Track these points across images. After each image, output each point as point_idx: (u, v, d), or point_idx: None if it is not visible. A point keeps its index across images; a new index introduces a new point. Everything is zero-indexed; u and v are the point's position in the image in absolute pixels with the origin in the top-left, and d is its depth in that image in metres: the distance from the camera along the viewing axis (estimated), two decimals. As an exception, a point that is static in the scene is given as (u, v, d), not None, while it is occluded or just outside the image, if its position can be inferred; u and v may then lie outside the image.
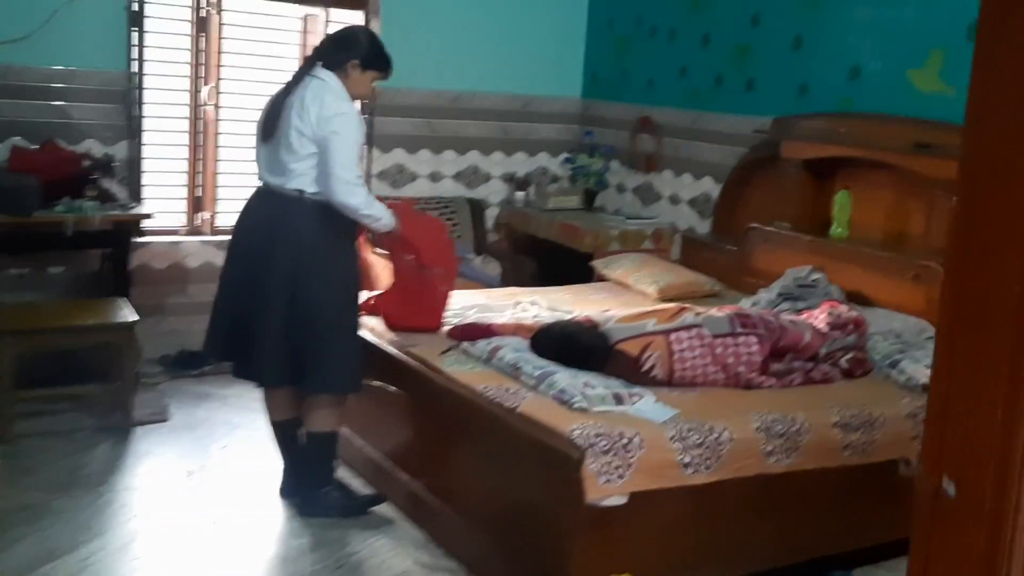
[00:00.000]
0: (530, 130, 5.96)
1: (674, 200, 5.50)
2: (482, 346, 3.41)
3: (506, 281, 5.38)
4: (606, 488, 2.72)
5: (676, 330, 3.32)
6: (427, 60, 5.48)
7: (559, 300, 4.42)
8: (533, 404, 2.99)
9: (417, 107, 5.58)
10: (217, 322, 3.41)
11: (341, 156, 3.18)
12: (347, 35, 3.44)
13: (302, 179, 3.24)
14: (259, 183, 3.40)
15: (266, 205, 3.33)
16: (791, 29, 4.76)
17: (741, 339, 3.38)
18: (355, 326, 3.41)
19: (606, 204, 5.89)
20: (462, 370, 3.30)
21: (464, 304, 4.15)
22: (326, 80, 3.28)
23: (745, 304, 4.34)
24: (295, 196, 3.25)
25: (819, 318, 3.75)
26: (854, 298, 4.16)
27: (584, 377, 3.09)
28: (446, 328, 3.70)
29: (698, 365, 3.30)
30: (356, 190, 3.24)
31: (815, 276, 4.31)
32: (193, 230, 5.15)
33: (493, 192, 5.92)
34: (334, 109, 3.19)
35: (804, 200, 4.64)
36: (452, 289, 3.75)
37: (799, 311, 4.17)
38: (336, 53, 3.33)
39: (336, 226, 3.30)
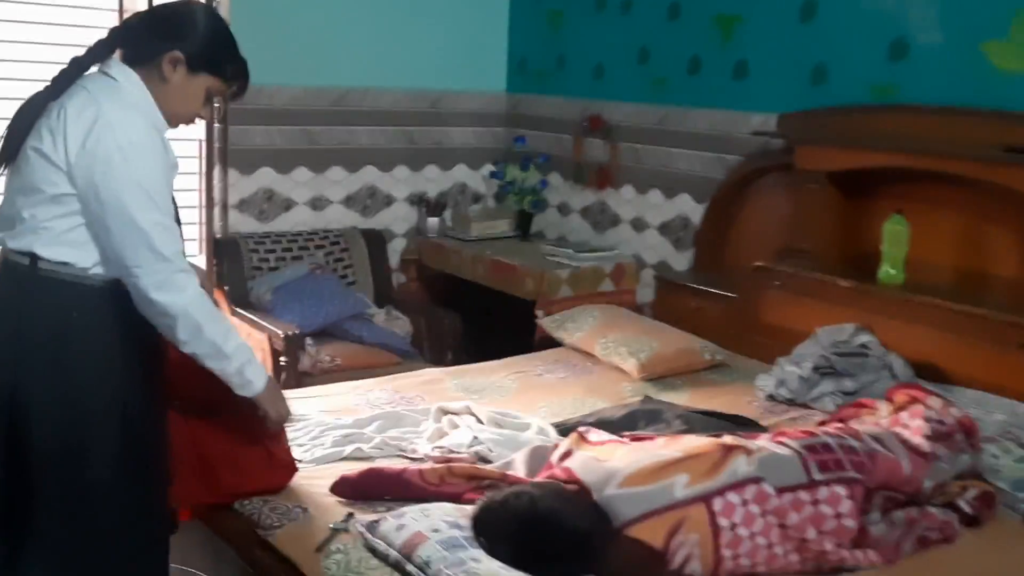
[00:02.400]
0: (442, 136, 4.80)
1: (638, 225, 4.30)
2: (389, 529, 1.98)
3: (418, 342, 4.18)
4: None
5: (722, 491, 1.97)
6: (299, 47, 4.22)
7: (501, 390, 3.08)
8: None
9: (288, 111, 4.30)
10: None
11: (139, 221, 1.85)
12: (171, 12, 2.04)
13: (40, 237, 1.89)
14: None
15: None
16: (799, -9, 3.63)
17: (823, 491, 2.07)
18: (147, 515, 1.99)
19: (546, 230, 4.79)
20: (354, 586, 1.88)
21: (354, 411, 2.73)
22: (119, 81, 1.93)
23: (767, 383, 3.08)
24: (24, 269, 1.90)
25: (910, 424, 2.44)
26: (923, 373, 3.00)
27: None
28: (315, 472, 2.27)
29: (760, 547, 1.97)
30: (178, 278, 1.90)
31: (862, 338, 3.14)
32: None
33: (397, 220, 4.73)
34: (114, 137, 1.84)
35: (831, 228, 3.50)
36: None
37: (851, 396, 2.92)
38: (147, 39, 1.97)
39: (116, 326, 1.92)
